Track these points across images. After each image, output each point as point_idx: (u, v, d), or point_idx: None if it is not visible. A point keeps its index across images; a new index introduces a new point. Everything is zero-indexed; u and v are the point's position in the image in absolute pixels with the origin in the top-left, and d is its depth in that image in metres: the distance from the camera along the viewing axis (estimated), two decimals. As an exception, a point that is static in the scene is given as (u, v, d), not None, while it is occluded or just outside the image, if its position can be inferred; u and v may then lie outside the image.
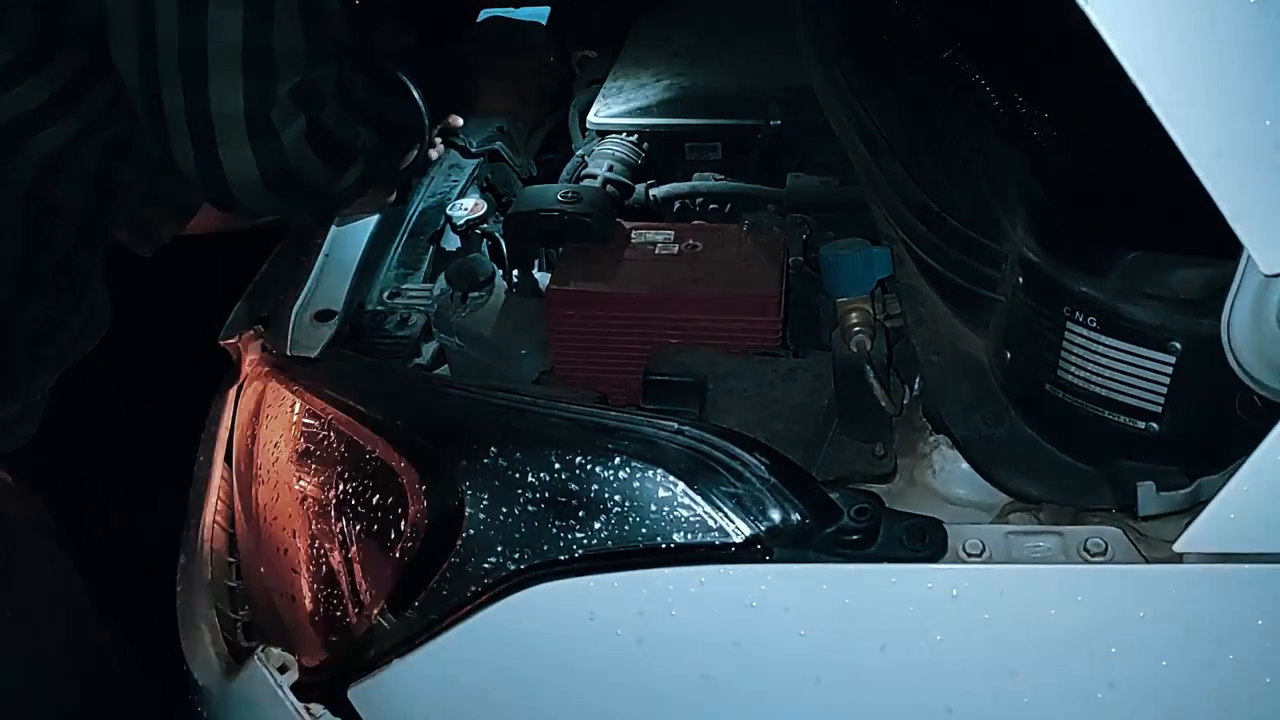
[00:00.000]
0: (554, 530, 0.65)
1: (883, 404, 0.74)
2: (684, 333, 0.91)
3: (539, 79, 1.19)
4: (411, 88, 0.92)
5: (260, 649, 0.72)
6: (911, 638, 0.58)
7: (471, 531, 0.67)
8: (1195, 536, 0.54)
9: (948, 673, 0.58)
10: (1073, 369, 0.64)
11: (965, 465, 0.76)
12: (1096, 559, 0.57)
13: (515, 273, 1.03)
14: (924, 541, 0.60)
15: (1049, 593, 0.56)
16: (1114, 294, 0.60)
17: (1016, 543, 0.59)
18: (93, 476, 1.43)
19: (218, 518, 0.96)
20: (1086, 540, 0.58)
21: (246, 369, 1.02)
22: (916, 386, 0.83)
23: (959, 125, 0.76)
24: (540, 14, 1.39)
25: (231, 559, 0.92)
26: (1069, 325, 0.63)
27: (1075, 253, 0.63)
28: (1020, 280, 0.66)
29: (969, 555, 0.59)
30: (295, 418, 0.86)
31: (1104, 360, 0.62)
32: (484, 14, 1.15)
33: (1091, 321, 0.62)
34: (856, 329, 0.77)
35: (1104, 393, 0.63)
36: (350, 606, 0.74)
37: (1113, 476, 0.65)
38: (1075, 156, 0.67)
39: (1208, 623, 0.54)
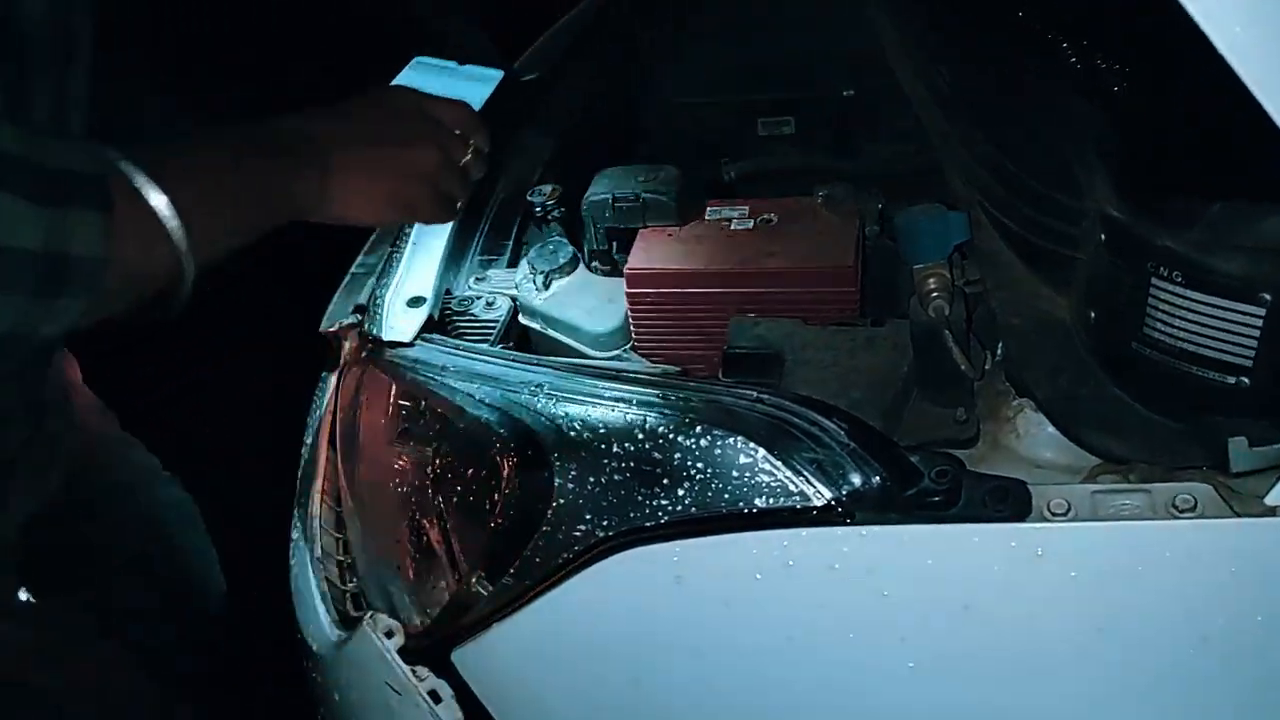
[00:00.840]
0: (640, 498, 0.67)
1: (963, 368, 0.74)
2: (761, 306, 0.92)
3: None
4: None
5: (369, 616, 0.77)
6: (996, 597, 0.59)
7: (562, 501, 0.70)
8: (1289, 489, 0.53)
9: (1033, 632, 0.58)
10: (1159, 325, 0.63)
11: (1050, 428, 0.75)
12: (1185, 515, 0.56)
13: (595, 254, 1.06)
14: (1006, 502, 0.60)
15: (1136, 549, 0.56)
16: (1199, 247, 0.59)
17: (1102, 501, 0.59)
18: (210, 458, 1.52)
19: (325, 497, 1.01)
20: (1175, 497, 0.58)
21: (346, 355, 1.08)
22: (998, 352, 0.82)
23: (1034, 82, 0.74)
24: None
25: (339, 535, 0.98)
26: (1154, 281, 0.62)
27: (1158, 206, 0.62)
28: (1102, 237, 0.65)
29: (1053, 514, 0.59)
30: (393, 399, 0.91)
31: (1191, 315, 0.61)
32: (415, 61, 0.92)
33: (1177, 276, 0.61)
34: (935, 294, 0.77)
35: (1192, 348, 0.62)
36: (450, 575, 0.78)
37: (1203, 434, 0.64)
38: (1154, 108, 0.66)
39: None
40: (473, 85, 0.88)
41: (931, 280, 0.78)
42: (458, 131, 0.81)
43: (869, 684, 0.61)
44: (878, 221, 0.96)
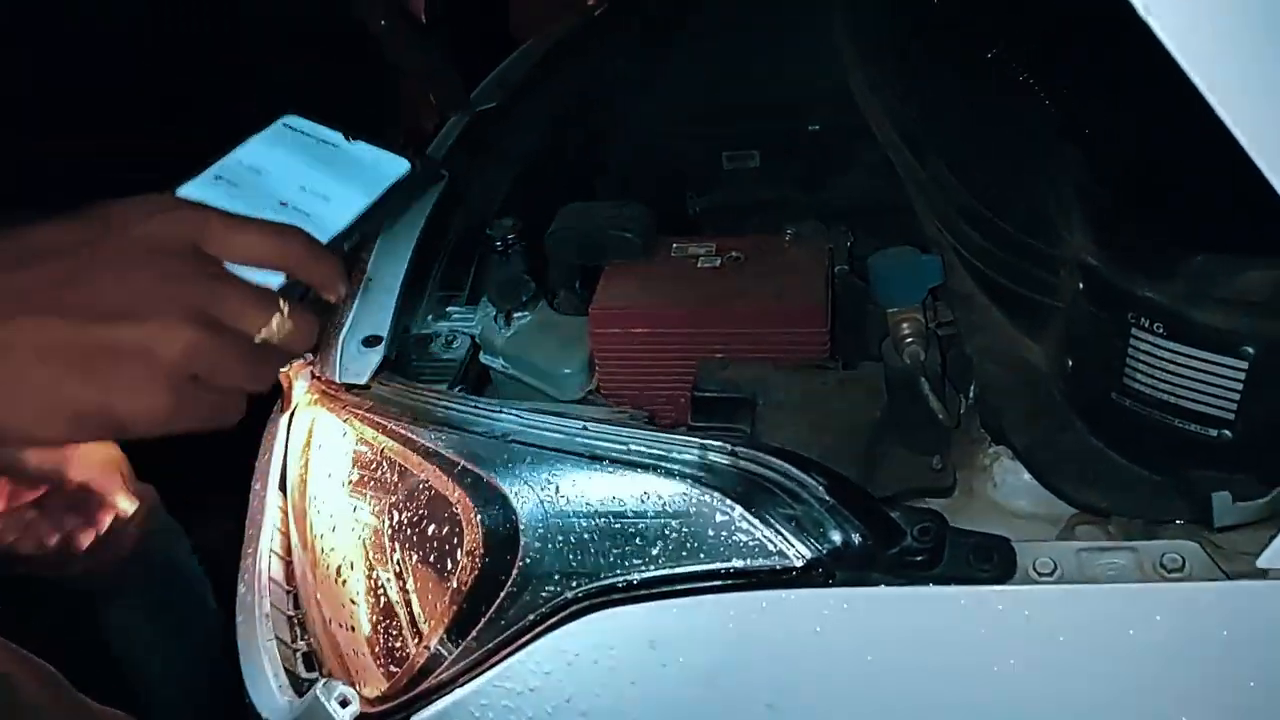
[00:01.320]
0: (611, 557, 0.64)
1: (940, 416, 0.72)
2: (730, 346, 0.90)
3: None
4: None
5: (321, 683, 0.73)
6: (984, 661, 0.56)
7: (528, 560, 0.66)
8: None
9: (1023, 696, 0.56)
10: (1139, 376, 0.62)
11: (1027, 477, 0.74)
12: (1174, 575, 0.55)
13: (558, 292, 1.03)
14: (991, 561, 0.58)
15: (1127, 612, 0.54)
16: (1181, 298, 0.58)
17: (1089, 560, 0.58)
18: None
19: (275, 547, 0.97)
20: (1163, 556, 0.56)
21: (296, 398, 1.03)
22: (972, 395, 0.81)
23: (1008, 124, 0.74)
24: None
25: (289, 588, 0.93)
26: (1134, 331, 0.61)
27: (1139, 256, 0.61)
28: (1080, 286, 0.64)
29: (1040, 575, 0.57)
30: (347, 445, 0.86)
31: (1172, 367, 0.60)
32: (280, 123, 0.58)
33: (1158, 327, 0.60)
34: (909, 339, 0.75)
35: (1173, 400, 0.61)
36: (409, 636, 0.74)
37: (1184, 486, 0.63)
38: (1135, 154, 0.65)
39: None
40: (352, 181, 0.55)
41: (905, 325, 0.76)
42: (270, 283, 0.49)
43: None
44: (847, 260, 0.94)
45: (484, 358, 1.01)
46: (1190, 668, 0.54)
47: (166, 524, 1.29)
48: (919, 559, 0.59)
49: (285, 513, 0.99)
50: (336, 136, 0.58)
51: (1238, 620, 0.53)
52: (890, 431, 0.78)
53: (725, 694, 0.61)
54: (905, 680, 0.58)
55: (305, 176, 0.54)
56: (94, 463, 1.08)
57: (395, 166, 0.56)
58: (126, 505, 1.08)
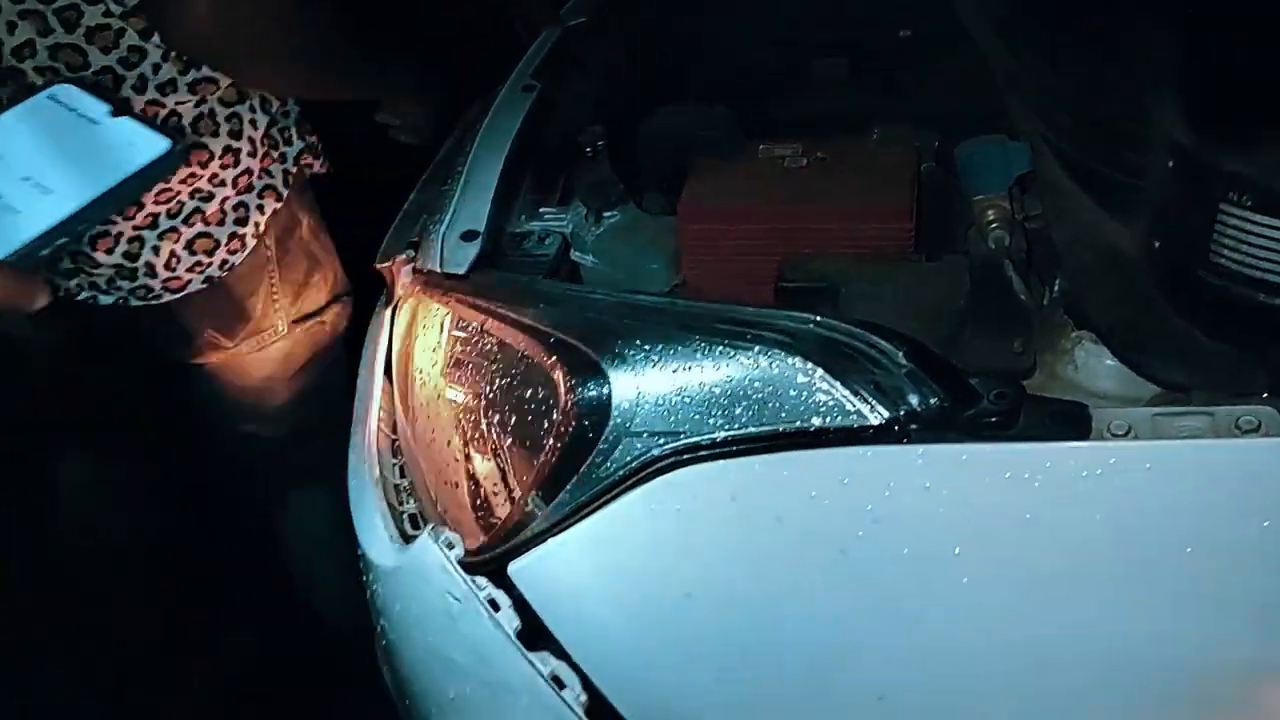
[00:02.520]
0: (697, 415, 0.68)
1: (1023, 298, 0.73)
2: (816, 244, 0.92)
3: None
4: None
5: (429, 528, 0.79)
6: (1053, 515, 0.59)
7: (618, 419, 0.71)
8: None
9: (1089, 549, 0.58)
10: (1226, 252, 0.63)
11: (1110, 359, 0.75)
12: (1249, 435, 0.56)
13: (645, 193, 1.07)
14: (1066, 424, 0.61)
15: (1199, 467, 0.56)
16: (1270, 170, 0.58)
17: (1164, 423, 0.59)
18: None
19: (381, 424, 1.04)
20: (1239, 418, 0.58)
21: (400, 290, 1.09)
22: (1056, 287, 0.82)
23: (1102, 8, 0.73)
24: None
25: (395, 460, 1.00)
26: (1222, 206, 0.61)
27: (1228, 130, 0.61)
28: (1170, 164, 0.64)
29: (1114, 435, 0.59)
30: (447, 327, 0.92)
31: (1259, 240, 0.60)
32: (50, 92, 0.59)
33: (1246, 200, 0.60)
34: (994, 225, 0.77)
35: (1259, 274, 0.61)
36: (506, 496, 0.80)
37: (1268, 361, 0.64)
38: (1228, 31, 0.65)
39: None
40: (93, 167, 0.52)
41: (991, 211, 0.77)
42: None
43: (922, 598, 0.62)
44: (934, 158, 0.95)
45: (574, 254, 1.05)
46: (1262, 521, 0.55)
47: None
48: (995, 420, 0.62)
49: (390, 395, 1.06)
50: (101, 110, 0.56)
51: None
52: (972, 319, 0.80)
53: (800, 542, 0.65)
54: (974, 532, 0.61)
55: (37, 163, 0.52)
56: None
57: (152, 146, 0.55)
58: None
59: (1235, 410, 0.58)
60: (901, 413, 0.63)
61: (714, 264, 0.98)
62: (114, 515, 1.44)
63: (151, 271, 1.08)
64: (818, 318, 0.68)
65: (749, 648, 0.69)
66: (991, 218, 0.77)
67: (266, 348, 1.22)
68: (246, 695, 1.60)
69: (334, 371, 1.31)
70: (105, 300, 1.10)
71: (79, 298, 1.09)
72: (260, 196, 1.12)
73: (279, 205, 1.14)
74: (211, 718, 1.58)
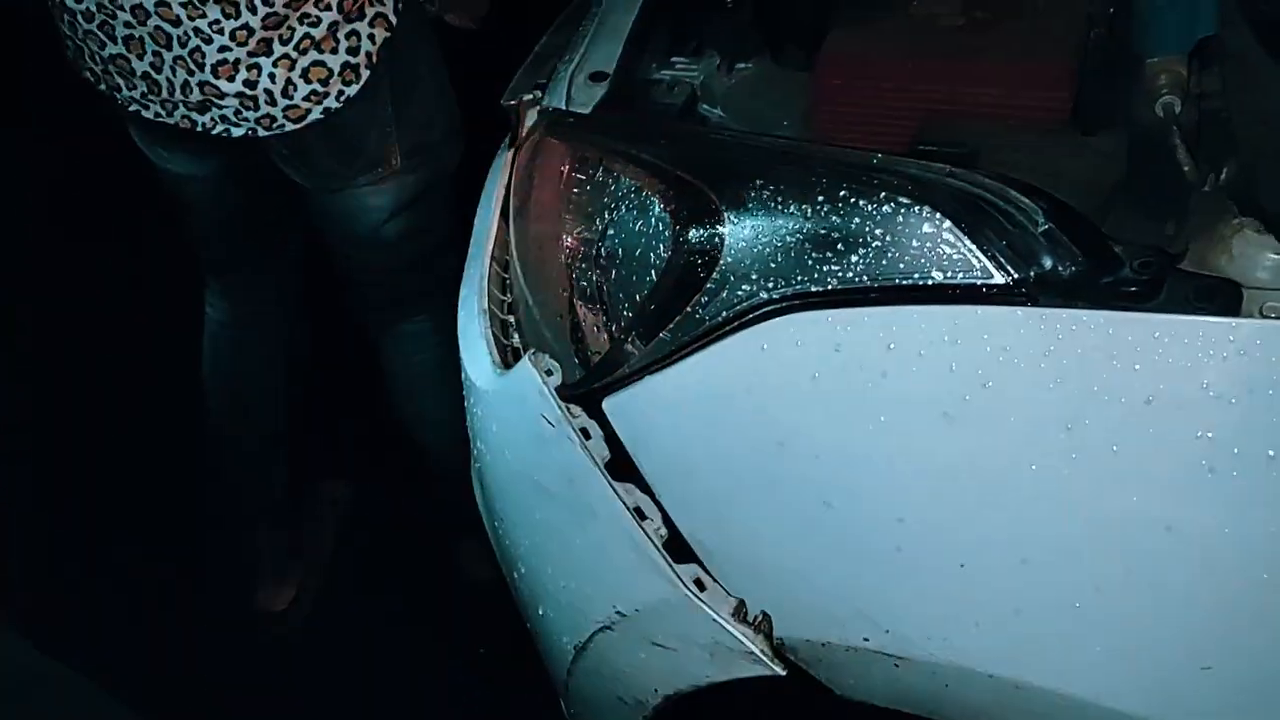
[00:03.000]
0: (810, 262, 0.66)
1: (1185, 168, 0.67)
2: (962, 107, 0.86)
3: None
4: None
5: (531, 353, 0.80)
6: (1184, 394, 0.55)
7: (730, 259, 0.69)
8: None
9: (1221, 434, 0.54)
10: None
11: (1271, 253, 0.68)
12: None
13: (785, 47, 1.01)
14: (1213, 301, 0.56)
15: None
16: None
17: (1327, 309, 0.54)
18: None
19: (494, 262, 1.05)
20: None
21: (524, 129, 1.09)
22: (1224, 174, 0.74)
23: None
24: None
25: (504, 297, 1.02)
26: None
27: None
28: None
29: (1266, 316, 0.54)
30: (567, 166, 0.91)
31: None
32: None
33: None
34: (1165, 90, 0.69)
35: None
36: (609, 330, 0.80)
37: None
38: None
39: None
40: None
41: (1164, 76, 0.70)
42: None
43: (1025, 469, 0.60)
44: (1107, 25, 0.87)
45: (702, 107, 1.02)
46: None
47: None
48: (1134, 290, 0.57)
49: (506, 233, 1.07)
50: None
51: None
52: (1125, 194, 0.74)
53: (901, 400, 0.63)
54: (1091, 405, 0.57)
55: None
56: None
57: None
58: None
59: None
60: (1032, 274, 0.59)
61: (848, 122, 0.93)
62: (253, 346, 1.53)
63: (271, 99, 1.11)
64: (956, 170, 0.64)
65: (834, 503, 0.68)
66: (1163, 82, 0.70)
67: (382, 181, 1.24)
68: (353, 533, 1.71)
69: (445, 208, 1.33)
70: (236, 132, 1.14)
71: (214, 132, 1.13)
72: (371, 25, 1.13)
73: (389, 34, 1.14)
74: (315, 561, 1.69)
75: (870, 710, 0.77)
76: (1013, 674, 0.64)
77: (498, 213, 1.10)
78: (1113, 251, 0.58)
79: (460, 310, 1.00)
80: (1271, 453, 0.53)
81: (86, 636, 1.49)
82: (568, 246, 0.88)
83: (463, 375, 0.93)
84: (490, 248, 1.06)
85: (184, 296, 1.53)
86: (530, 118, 1.10)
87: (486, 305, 0.97)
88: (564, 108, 0.95)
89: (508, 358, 0.92)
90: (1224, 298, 0.55)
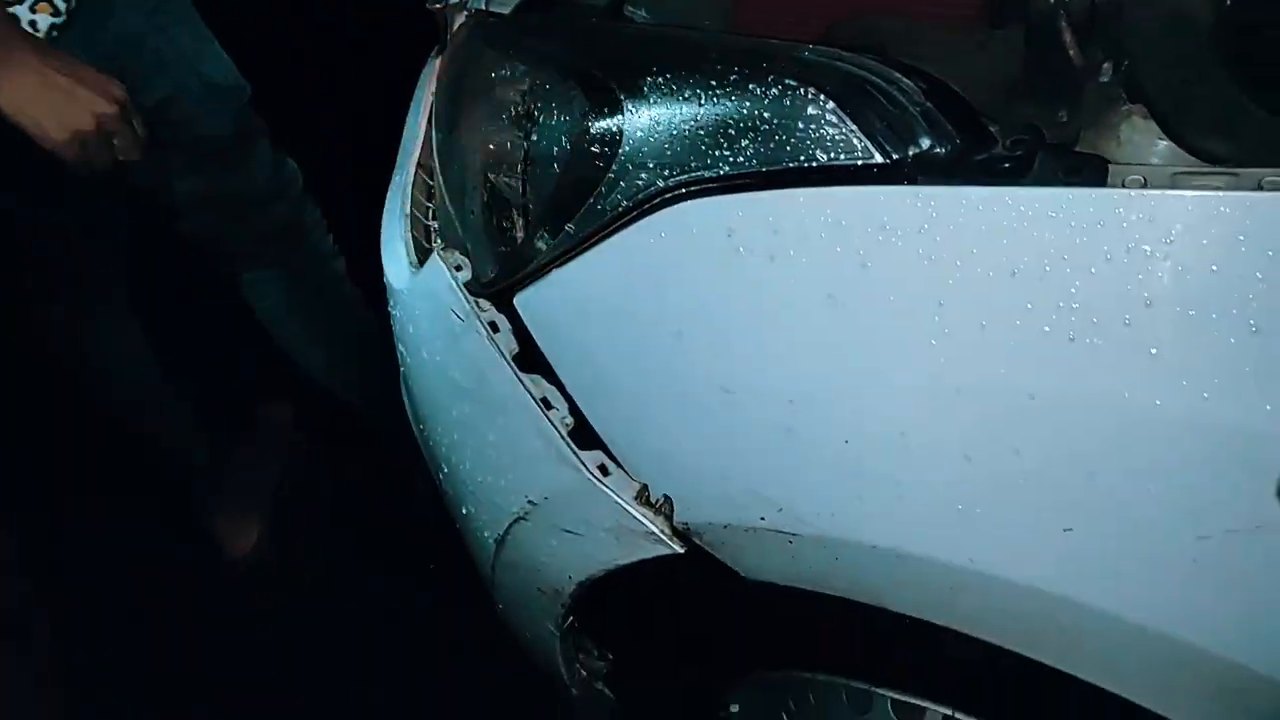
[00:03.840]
0: (703, 148, 0.67)
1: (1072, 55, 0.68)
2: (878, 4, 0.86)
3: None
4: None
5: (439, 247, 0.81)
6: (1050, 265, 0.57)
7: (628, 149, 0.70)
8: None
9: (1081, 301, 0.56)
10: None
11: (1160, 139, 0.70)
12: (1272, 190, 0.52)
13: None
14: (1081, 174, 0.57)
15: (1210, 221, 0.52)
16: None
17: (1183, 180, 0.55)
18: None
19: (420, 169, 1.05)
20: (1264, 178, 0.53)
21: (451, 33, 1.08)
22: (1114, 64, 0.75)
23: None
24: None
25: (427, 203, 1.02)
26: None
27: None
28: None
29: (1130, 188, 0.56)
30: (487, 64, 0.91)
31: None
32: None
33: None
34: (1058, -22, 0.70)
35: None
36: (519, 225, 0.81)
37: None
38: None
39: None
40: None
41: (1059, -36, 0.70)
42: None
43: (901, 346, 0.62)
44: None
45: (627, 9, 1.01)
46: (1265, 279, 0.52)
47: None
48: (1007, 166, 0.59)
49: (430, 140, 1.07)
50: None
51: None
52: (1021, 83, 0.74)
53: (789, 280, 0.64)
54: (964, 279, 0.59)
55: None
56: None
57: None
58: None
59: (1262, 171, 0.54)
60: (910, 153, 0.60)
61: (767, 22, 0.93)
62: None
63: None
64: (844, 52, 0.64)
65: (731, 388, 0.70)
66: (1058, -29, 0.70)
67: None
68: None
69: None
70: None
71: None
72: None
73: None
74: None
75: (774, 592, 0.80)
76: (893, 544, 0.67)
77: (425, 119, 1.10)
78: (987, 130, 0.60)
79: (384, 215, 1.00)
80: (1128, 317, 0.55)
81: (87, 636, 1.50)
82: (486, 149, 0.88)
83: (384, 279, 0.93)
84: (417, 154, 1.06)
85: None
86: (457, 22, 1.09)
87: (409, 210, 0.97)
88: (488, 7, 0.95)
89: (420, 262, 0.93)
90: (1091, 171, 0.57)
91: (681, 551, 0.75)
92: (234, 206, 1.41)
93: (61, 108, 1.00)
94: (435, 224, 1.00)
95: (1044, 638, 0.67)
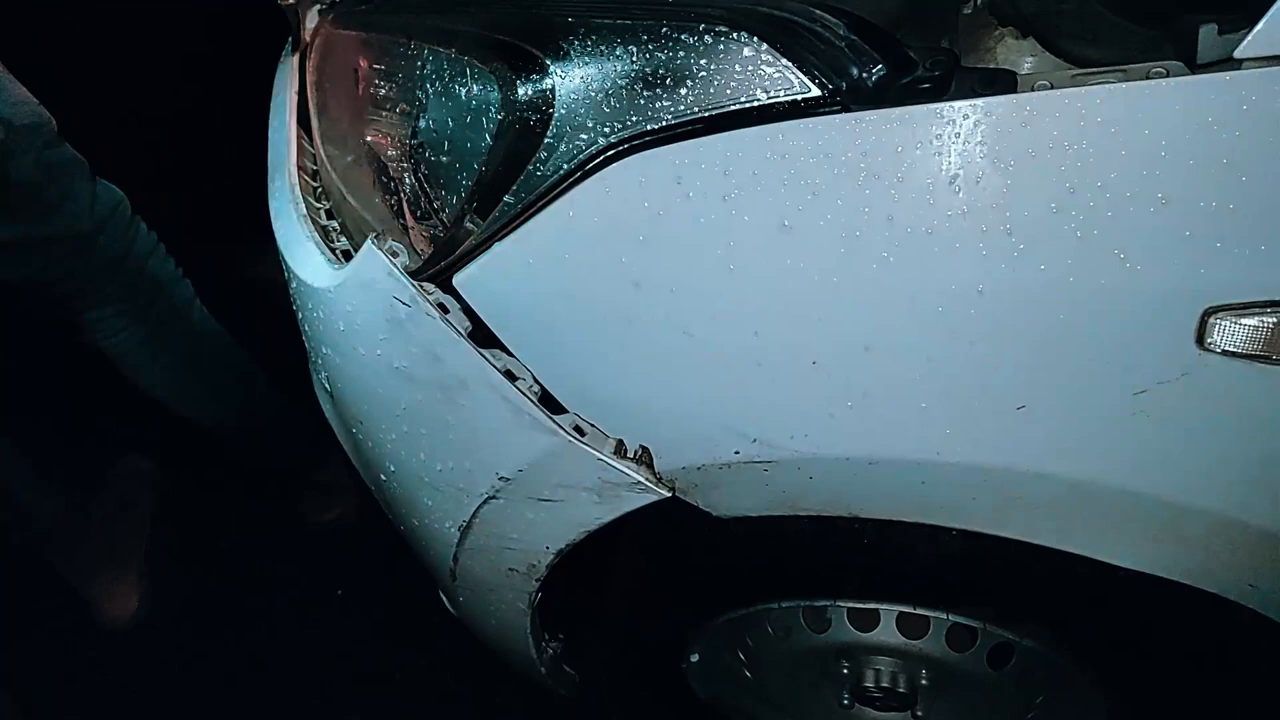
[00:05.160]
0: (642, 102, 0.69)
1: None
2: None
3: None
4: None
5: (374, 236, 0.78)
6: (982, 168, 0.63)
7: (563, 112, 0.71)
8: (1254, 42, 0.57)
9: (1014, 198, 0.63)
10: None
11: (1030, 57, 0.79)
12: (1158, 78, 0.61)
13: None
14: (994, 86, 0.64)
15: (1112, 110, 0.60)
16: None
17: (1083, 80, 0.63)
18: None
19: (300, 172, 1.01)
20: (1150, 70, 0.62)
21: (307, 31, 1.04)
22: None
23: None
24: None
25: (320, 204, 0.98)
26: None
27: None
28: None
29: (1038, 89, 0.63)
30: (367, 52, 0.89)
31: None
32: None
33: None
34: (927, -83, 0.77)
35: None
36: (446, 206, 0.79)
37: (1175, 36, 0.68)
38: None
39: (1267, 125, 0.58)
40: None
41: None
42: None
43: (858, 262, 0.66)
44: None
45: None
46: (1164, 157, 0.60)
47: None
48: (928, 86, 0.64)
49: (308, 141, 1.03)
50: None
51: (1211, 109, 0.59)
52: (903, 19, 0.81)
53: (741, 219, 0.68)
54: (907, 194, 0.64)
55: None
56: None
57: None
58: None
59: (1147, 66, 0.63)
60: (844, 83, 0.65)
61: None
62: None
63: None
64: (760, -1, 0.68)
65: (693, 331, 0.72)
66: (925, -89, 0.77)
67: None
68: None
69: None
70: None
71: None
72: None
73: None
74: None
75: (740, 528, 0.84)
76: (866, 452, 0.72)
77: (293, 121, 1.05)
78: (907, 55, 0.65)
79: (276, 222, 0.96)
80: (1054, 205, 0.62)
81: (84, 635, 1.37)
82: (389, 133, 0.86)
83: (293, 286, 0.89)
84: (294, 157, 1.02)
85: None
86: (311, 18, 1.05)
87: (305, 211, 0.93)
88: (347, -2, 0.92)
89: (338, 258, 0.90)
90: (1003, 83, 0.63)
91: (670, 495, 0.77)
92: (59, 247, 1.30)
93: None
94: (335, 222, 0.96)
95: (1008, 512, 0.74)
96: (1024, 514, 0.73)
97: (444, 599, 1.10)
